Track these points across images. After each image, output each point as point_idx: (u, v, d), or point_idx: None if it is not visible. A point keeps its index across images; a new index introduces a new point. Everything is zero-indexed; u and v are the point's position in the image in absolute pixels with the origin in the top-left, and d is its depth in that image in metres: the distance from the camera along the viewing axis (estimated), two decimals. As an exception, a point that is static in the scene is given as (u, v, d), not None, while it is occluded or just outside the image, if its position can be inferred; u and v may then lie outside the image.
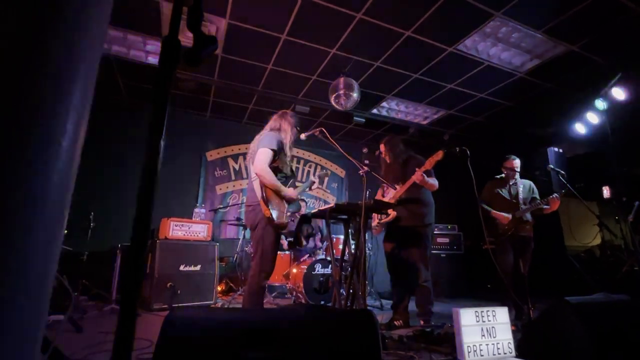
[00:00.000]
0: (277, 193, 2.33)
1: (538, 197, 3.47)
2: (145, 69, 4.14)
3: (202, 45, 0.61)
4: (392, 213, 2.93)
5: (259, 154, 2.30)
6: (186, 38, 0.87)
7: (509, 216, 3.33)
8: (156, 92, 0.56)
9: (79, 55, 0.77)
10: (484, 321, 1.58)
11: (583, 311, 1.64)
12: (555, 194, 3.20)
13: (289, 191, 2.40)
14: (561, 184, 3.46)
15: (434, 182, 2.91)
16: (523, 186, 3.49)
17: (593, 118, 4.33)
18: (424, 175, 2.75)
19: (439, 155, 2.66)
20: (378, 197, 3.16)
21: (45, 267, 0.70)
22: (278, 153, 2.35)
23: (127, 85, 4.63)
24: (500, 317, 1.63)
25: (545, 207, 3.24)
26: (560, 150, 4.34)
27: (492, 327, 1.59)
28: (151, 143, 0.53)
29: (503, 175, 3.58)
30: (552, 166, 3.61)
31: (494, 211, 3.39)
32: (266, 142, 2.33)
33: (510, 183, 3.51)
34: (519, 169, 3.50)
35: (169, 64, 0.56)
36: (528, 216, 3.35)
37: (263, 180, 2.29)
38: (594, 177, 4.68)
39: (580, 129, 4.50)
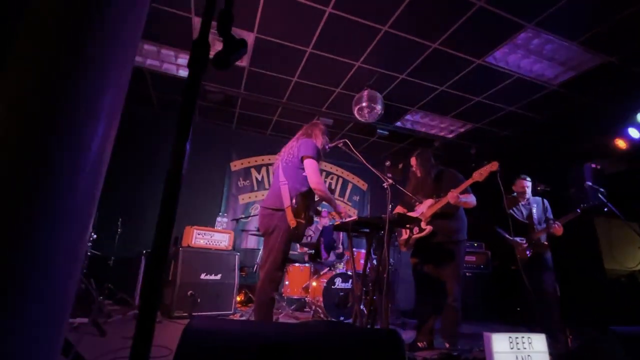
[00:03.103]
0: (329, 203, 2.42)
1: (551, 216, 3.31)
2: (176, 81, 4.31)
3: (232, 49, 0.60)
4: (428, 228, 2.77)
5: (311, 168, 2.30)
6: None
7: (524, 243, 3.17)
8: (185, 95, 0.55)
9: (111, 64, 0.79)
10: (518, 349, 1.46)
11: (631, 343, 1.48)
12: (557, 222, 3.04)
13: (340, 206, 2.49)
14: (600, 202, 3.25)
15: (468, 200, 2.72)
16: (537, 205, 3.35)
17: (635, 133, 4.06)
18: (459, 196, 2.62)
19: (494, 166, 2.49)
20: (399, 211, 3.06)
21: (69, 270, 0.70)
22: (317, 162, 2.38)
23: (159, 98, 4.83)
24: (536, 344, 1.50)
25: (550, 231, 3.09)
26: (598, 167, 4.07)
27: (528, 355, 1.46)
28: (177, 144, 0.52)
29: (515, 194, 3.47)
30: (589, 183, 3.40)
31: (509, 237, 3.26)
32: (311, 152, 2.34)
33: (523, 203, 3.40)
34: (529, 189, 3.41)
35: (198, 66, 0.55)
36: (543, 238, 3.20)
37: (320, 194, 2.34)
38: (637, 195, 4.35)
39: (620, 144, 4.23)
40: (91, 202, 0.78)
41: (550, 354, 1.84)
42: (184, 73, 4.21)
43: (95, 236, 3.45)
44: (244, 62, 3.89)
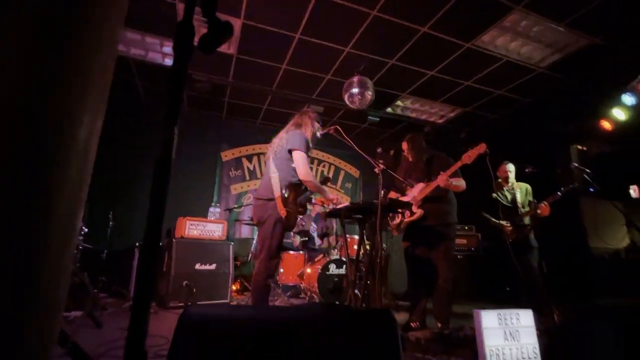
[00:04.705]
0: (321, 193, 2.48)
1: (534, 200, 3.44)
2: (162, 70, 4.22)
3: (217, 31, 0.59)
4: (418, 212, 2.81)
5: (299, 161, 2.33)
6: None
7: (509, 225, 3.28)
8: (171, 80, 0.54)
9: (95, 51, 0.77)
10: (507, 324, 1.52)
11: (615, 315, 1.55)
12: (544, 202, 3.17)
13: (331, 195, 2.51)
14: (586, 182, 3.33)
15: (459, 183, 2.75)
16: (520, 190, 3.48)
17: (620, 114, 4.13)
18: (449, 179, 2.65)
19: (482, 148, 2.51)
20: (391, 196, 3.09)
21: (60, 261, 0.70)
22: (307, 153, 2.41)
23: (145, 87, 4.72)
24: (524, 319, 1.56)
25: (538, 212, 3.23)
26: (584, 148, 4.16)
27: (516, 330, 1.52)
28: (166, 131, 0.52)
29: (500, 180, 3.58)
30: (575, 164, 3.47)
31: (495, 220, 3.37)
32: (298, 144, 2.36)
33: (507, 188, 3.51)
34: (513, 174, 3.53)
35: (183, 49, 0.54)
36: (527, 220, 3.33)
37: (310, 186, 2.39)
38: (621, 175, 4.47)
39: (605, 125, 4.30)
40: (80, 195, 0.77)
41: (538, 328, 1.91)
42: (170, 62, 4.11)
43: (86, 230, 3.42)
44: (231, 50, 3.82)
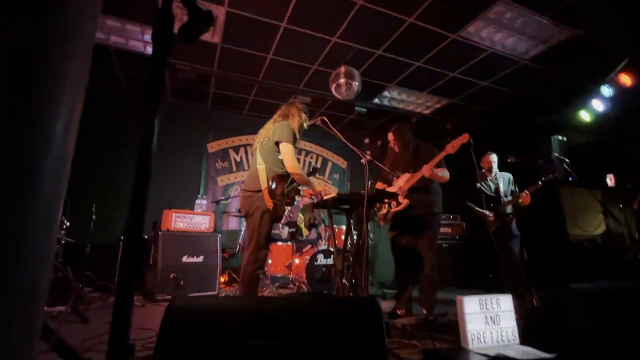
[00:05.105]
0: (309, 186, 2.47)
1: (517, 189, 3.54)
2: (144, 60, 4.09)
3: (198, 20, 0.58)
4: (404, 202, 2.86)
5: (287, 153, 2.32)
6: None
7: (492, 214, 3.38)
8: (151, 70, 0.53)
9: (71, 37, 0.75)
10: (487, 309, 1.57)
11: (588, 298, 1.62)
12: (526, 191, 3.27)
13: (319, 186, 2.52)
14: (566, 172, 3.44)
15: (444, 174, 2.81)
16: (503, 179, 3.57)
17: (599, 105, 4.26)
18: (433, 169, 2.69)
19: (465, 138, 2.55)
20: (378, 187, 3.13)
21: (39, 254, 0.68)
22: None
23: (127, 77, 4.59)
24: (504, 304, 1.62)
25: (519, 201, 3.32)
26: (564, 139, 4.28)
27: (497, 314, 1.58)
28: (147, 119, 0.51)
29: (483, 170, 3.65)
30: (556, 154, 3.58)
31: (478, 209, 3.44)
32: (285, 136, 2.34)
33: (490, 178, 3.59)
34: (496, 164, 3.60)
35: (162, 38, 0.53)
36: (509, 209, 3.42)
37: (297, 178, 2.39)
38: (599, 165, 4.63)
39: (585, 116, 4.44)
40: (59, 185, 0.76)
41: (517, 312, 1.99)
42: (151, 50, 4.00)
43: (68, 224, 3.34)
44: (215, 39, 3.74)
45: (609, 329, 1.51)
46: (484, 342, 1.53)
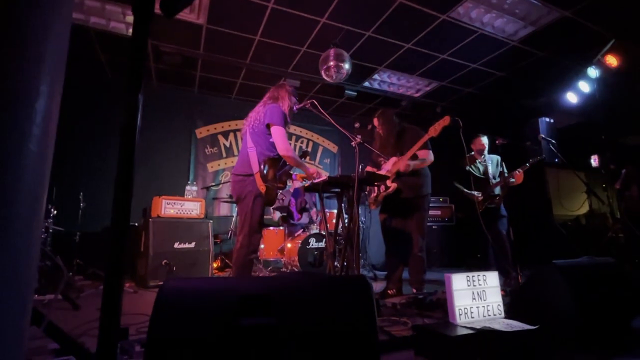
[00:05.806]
0: (302, 169, 2.46)
1: (506, 170, 3.61)
2: (127, 42, 3.95)
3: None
4: (393, 185, 2.89)
5: (279, 136, 2.30)
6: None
7: (480, 195, 3.43)
8: (132, 45, 0.51)
9: (49, 15, 0.71)
10: (474, 285, 1.62)
11: (569, 273, 1.69)
12: (519, 169, 3.33)
13: (311, 169, 2.49)
14: (552, 153, 3.51)
15: (421, 160, 2.87)
16: (492, 162, 3.63)
17: (585, 87, 4.31)
18: (410, 162, 2.75)
19: (446, 120, 2.57)
20: (369, 170, 3.14)
21: (25, 241, 0.67)
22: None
23: (110, 61, 4.44)
24: (490, 281, 1.67)
25: (512, 180, 3.37)
26: (552, 121, 4.33)
27: (483, 290, 1.63)
28: (129, 98, 0.50)
29: (473, 152, 3.69)
30: (543, 136, 3.63)
31: (466, 191, 3.50)
32: (276, 119, 2.31)
33: (479, 160, 3.64)
34: (486, 147, 3.65)
35: (143, 10, 0.51)
36: (497, 190, 3.49)
37: (290, 161, 2.37)
38: (584, 146, 4.72)
39: (571, 98, 4.48)
40: (42, 170, 0.74)
41: (503, 289, 2.06)
42: (135, 32, 3.86)
43: (55, 212, 3.29)
44: (201, 20, 3.62)
45: (587, 301, 1.58)
46: (471, 316, 1.58)
